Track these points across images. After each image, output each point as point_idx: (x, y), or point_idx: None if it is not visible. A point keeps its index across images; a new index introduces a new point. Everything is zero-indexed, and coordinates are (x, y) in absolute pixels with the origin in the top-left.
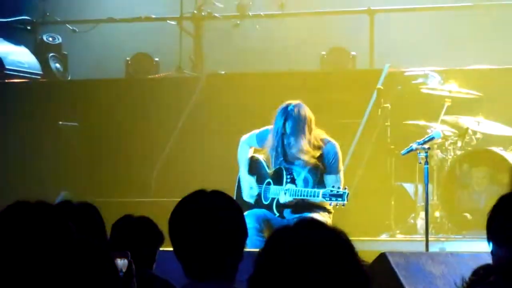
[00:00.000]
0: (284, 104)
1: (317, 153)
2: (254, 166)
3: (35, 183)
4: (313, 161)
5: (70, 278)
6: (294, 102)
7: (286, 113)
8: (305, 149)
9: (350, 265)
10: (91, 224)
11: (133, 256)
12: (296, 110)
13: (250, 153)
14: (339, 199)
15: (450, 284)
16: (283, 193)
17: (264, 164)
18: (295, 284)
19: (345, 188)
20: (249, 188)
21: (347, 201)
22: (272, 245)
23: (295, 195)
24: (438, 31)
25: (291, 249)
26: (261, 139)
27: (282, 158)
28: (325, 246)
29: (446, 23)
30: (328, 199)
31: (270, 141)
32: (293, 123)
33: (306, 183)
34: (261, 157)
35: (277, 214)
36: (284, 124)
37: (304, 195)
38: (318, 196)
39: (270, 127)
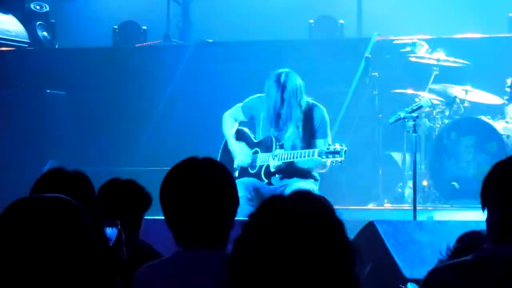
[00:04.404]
0: (275, 74)
1: (304, 117)
2: (240, 138)
3: (22, 151)
4: (301, 125)
5: (60, 246)
6: (284, 70)
7: (280, 84)
8: (297, 117)
9: (336, 243)
10: (82, 192)
11: (120, 219)
12: (290, 80)
13: (235, 126)
14: (336, 155)
15: (438, 252)
16: (271, 158)
17: (250, 134)
18: (278, 252)
19: (342, 145)
20: (241, 153)
21: (344, 157)
22: (262, 211)
23: (286, 159)
24: None
25: (280, 219)
26: (248, 108)
27: (273, 126)
28: (314, 221)
29: None
30: (324, 156)
31: (262, 109)
32: (289, 93)
33: (294, 149)
34: (245, 129)
35: (266, 181)
36: (280, 95)
37: (296, 157)
38: (313, 155)
39: (255, 96)
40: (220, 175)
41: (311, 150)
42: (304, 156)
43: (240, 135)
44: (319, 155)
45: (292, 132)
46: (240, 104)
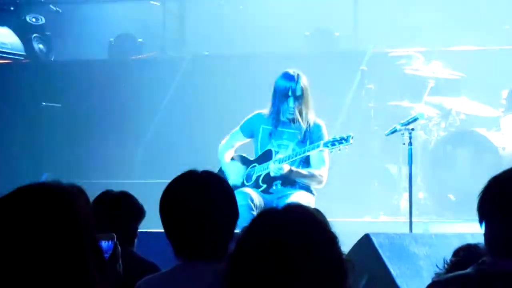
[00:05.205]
0: (288, 70)
1: (304, 126)
2: (236, 160)
3: (18, 164)
4: (303, 128)
5: (55, 261)
6: (295, 70)
7: (293, 77)
8: (303, 115)
9: (328, 256)
10: None
11: (114, 231)
12: (303, 78)
13: (231, 152)
14: (343, 142)
15: (434, 265)
16: (272, 163)
17: (247, 156)
18: (271, 266)
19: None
20: (233, 172)
21: (351, 143)
22: (255, 225)
23: (288, 159)
24: (422, 12)
25: (272, 232)
26: (248, 124)
27: (273, 137)
28: (306, 234)
29: (429, 3)
30: (330, 144)
31: (262, 122)
32: (300, 88)
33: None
34: (242, 154)
35: (264, 186)
36: (292, 86)
37: (299, 154)
38: (318, 147)
39: (253, 113)
40: (220, 188)
41: (314, 144)
42: (309, 151)
43: (236, 160)
44: (324, 146)
45: (292, 134)
46: (237, 128)
